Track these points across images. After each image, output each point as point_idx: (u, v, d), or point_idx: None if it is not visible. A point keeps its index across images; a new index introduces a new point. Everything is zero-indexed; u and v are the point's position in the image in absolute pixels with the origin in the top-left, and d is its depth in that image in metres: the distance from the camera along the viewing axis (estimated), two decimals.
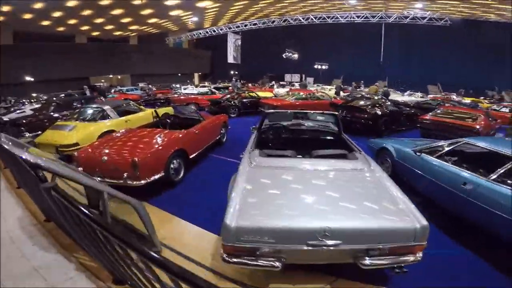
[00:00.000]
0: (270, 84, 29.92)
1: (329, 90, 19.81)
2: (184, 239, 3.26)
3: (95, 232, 1.52)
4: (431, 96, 22.44)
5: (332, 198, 2.37)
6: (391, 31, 29.93)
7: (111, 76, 36.67)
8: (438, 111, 8.56)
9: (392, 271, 2.11)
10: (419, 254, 2.07)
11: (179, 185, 4.68)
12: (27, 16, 23.94)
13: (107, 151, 4.20)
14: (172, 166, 4.44)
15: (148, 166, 3.95)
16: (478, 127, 6.78)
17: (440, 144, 3.95)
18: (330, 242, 1.96)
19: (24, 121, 8.21)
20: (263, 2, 27.54)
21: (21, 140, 7.91)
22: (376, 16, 27.76)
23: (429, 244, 2.09)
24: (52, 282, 2.37)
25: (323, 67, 34.07)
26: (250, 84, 30.50)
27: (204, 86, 26.10)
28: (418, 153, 3.98)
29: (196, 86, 27.50)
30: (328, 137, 4.43)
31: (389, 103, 9.36)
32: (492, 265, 2.77)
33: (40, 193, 2.13)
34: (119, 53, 34.15)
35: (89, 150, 4.35)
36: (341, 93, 18.28)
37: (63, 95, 18.79)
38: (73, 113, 7.56)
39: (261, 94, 14.75)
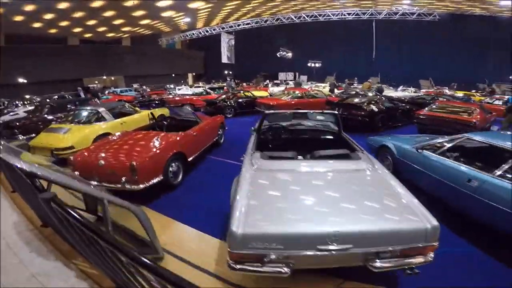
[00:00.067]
0: (265, 83, 29.88)
1: (323, 88, 19.83)
2: (186, 244, 3.21)
3: (97, 242, 1.47)
4: (424, 90, 22.60)
5: (340, 200, 2.33)
6: (382, 28, 30.03)
7: (104, 77, 36.41)
8: (434, 106, 8.57)
9: (403, 273, 2.08)
10: (431, 255, 2.04)
11: (178, 188, 4.61)
12: (18, 18, 23.61)
13: (104, 154, 4.12)
14: (170, 169, 4.37)
15: (146, 170, 3.88)
16: (474, 121, 6.82)
17: (441, 141, 3.92)
18: (340, 247, 1.92)
19: (17, 124, 8.09)
20: (255, 1, 27.46)
21: (14, 144, 7.87)
22: (366, 13, 27.90)
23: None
24: None
25: (316, 65, 34.14)
26: (244, 84, 30.44)
27: (199, 87, 25.96)
28: (419, 150, 3.95)
29: (191, 87, 27.33)
30: (329, 137, 4.39)
31: (384, 99, 9.38)
32: (499, 262, 2.75)
33: (36, 199, 2.07)
34: (112, 54, 34.10)
35: (86, 153, 4.26)
36: (335, 91, 18.31)
37: (56, 96, 18.58)
38: (68, 115, 7.46)
39: (257, 93, 14.69)
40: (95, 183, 3.91)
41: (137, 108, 8.30)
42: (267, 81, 31.70)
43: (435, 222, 2.01)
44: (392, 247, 1.97)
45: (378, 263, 1.97)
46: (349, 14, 28.73)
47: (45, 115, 8.66)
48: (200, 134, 5.55)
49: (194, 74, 46.44)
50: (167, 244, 3.07)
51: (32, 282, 2.39)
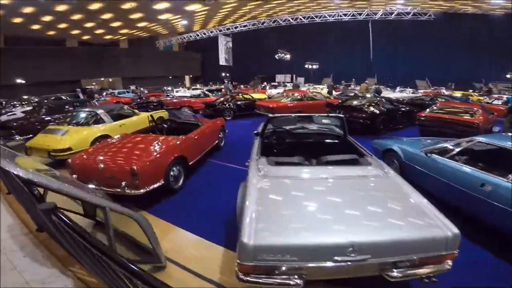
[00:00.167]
0: (262, 85, 29.85)
1: (322, 90, 19.81)
2: (188, 251, 3.11)
3: (100, 257, 1.38)
4: (422, 91, 22.62)
5: (355, 209, 2.23)
6: (378, 28, 30.01)
7: (102, 79, 36.40)
8: (435, 107, 8.49)
9: (420, 281, 2.00)
10: (449, 263, 1.98)
11: (179, 192, 4.50)
12: (17, 20, 23.58)
13: (103, 158, 4.00)
14: (171, 173, 4.27)
15: (147, 175, 3.77)
16: (478, 122, 6.75)
17: (451, 144, 3.84)
18: (358, 257, 1.83)
19: (15, 124, 7.95)
20: (251, 4, 27.51)
21: (11, 144, 7.73)
22: (362, 13, 27.95)
23: None
24: None
25: (314, 66, 34.17)
26: (242, 86, 30.39)
27: (196, 89, 25.89)
28: (428, 154, 3.88)
29: (188, 89, 27.26)
30: (335, 141, 4.31)
31: (384, 101, 9.34)
32: None
33: (32, 204, 1.96)
34: (110, 56, 34.18)
35: (84, 156, 4.15)
36: (333, 92, 18.29)
37: (53, 97, 18.49)
38: (66, 116, 7.36)
39: (255, 96, 14.64)
40: (94, 186, 3.80)
41: (135, 110, 8.18)
42: (265, 83, 31.68)
43: (455, 230, 1.94)
44: (411, 256, 1.90)
45: (395, 273, 1.89)
46: (345, 15, 28.72)
47: (43, 116, 8.53)
48: (201, 138, 5.45)
49: (191, 76, 46.39)
50: (168, 251, 2.98)
51: None
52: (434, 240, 1.92)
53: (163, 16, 28.98)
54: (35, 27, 26.79)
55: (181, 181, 4.58)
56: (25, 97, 21.27)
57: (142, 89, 27.87)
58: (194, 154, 5.06)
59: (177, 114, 6.59)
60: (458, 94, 19.56)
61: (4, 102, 19.20)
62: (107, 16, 25.97)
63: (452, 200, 3.48)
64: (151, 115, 6.15)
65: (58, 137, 5.96)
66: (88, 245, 1.40)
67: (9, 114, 11.03)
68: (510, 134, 3.85)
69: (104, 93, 22.89)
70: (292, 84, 28.12)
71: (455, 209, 3.41)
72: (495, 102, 13.51)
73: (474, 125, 6.72)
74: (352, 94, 13.90)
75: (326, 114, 4.33)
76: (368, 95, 12.84)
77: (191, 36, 37.64)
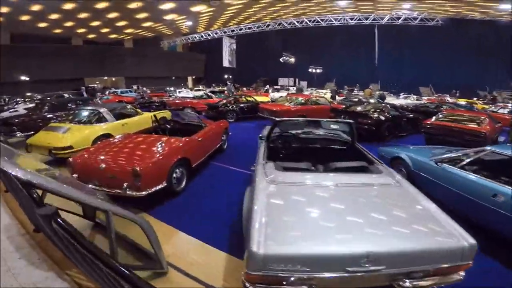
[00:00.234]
0: (265, 88, 29.82)
1: (325, 94, 19.75)
2: (190, 256, 3.02)
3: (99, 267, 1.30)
4: (426, 98, 22.48)
5: (368, 218, 2.15)
6: (383, 33, 29.85)
7: (105, 78, 36.55)
8: (441, 115, 8.40)
9: None
10: (462, 273, 1.94)
11: (181, 195, 4.41)
12: (25, 17, 23.82)
13: (105, 158, 3.92)
14: (174, 175, 4.18)
15: (150, 176, 3.68)
16: (484, 131, 6.65)
17: (462, 153, 3.79)
18: (372, 268, 1.77)
19: (16, 121, 7.91)
20: (256, 6, 27.58)
21: (12, 141, 7.64)
22: (369, 18, 27.86)
23: None
24: None
25: (317, 70, 34.11)
26: (244, 88, 30.37)
27: (199, 90, 25.89)
28: (439, 164, 3.80)
29: (191, 90, 27.26)
30: (343, 147, 4.23)
31: (390, 107, 9.25)
32: None
33: (30, 204, 1.87)
34: (114, 55, 34.42)
35: (86, 155, 4.06)
36: (337, 97, 18.21)
37: (55, 95, 18.55)
38: (68, 114, 7.30)
39: (258, 98, 14.58)
40: (94, 187, 3.72)
41: (138, 110, 8.12)
42: (267, 86, 31.65)
43: (472, 241, 1.90)
44: (426, 266, 1.86)
45: (407, 283, 1.85)
46: (351, 19, 28.56)
47: (45, 113, 8.48)
48: (205, 140, 5.37)
49: (194, 77, 46.48)
50: (170, 256, 2.89)
51: None
52: (450, 250, 1.88)
53: (169, 17, 29.11)
54: (42, 25, 27.06)
55: (183, 183, 4.49)
56: (28, 94, 21.35)
57: (144, 89, 27.90)
58: (197, 156, 4.98)
59: (181, 115, 6.51)
60: (462, 102, 19.44)
61: (7, 99, 19.29)
62: (113, 15, 26.12)
63: (462, 209, 3.42)
64: (155, 115, 6.07)
65: (59, 135, 5.90)
66: (88, 254, 1.32)
67: (11, 110, 10.99)
68: None
69: (107, 92, 22.91)
70: (295, 87, 28.04)
71: (465, 219, 3.34)
72: (501, 110, 13.35)
73: (481, 134, 6.62)
74: (356, 99, 13.80)
75: (335, 119, 4.25)
76: (372, 101, 12.77)
77: (195, 37, 37.73)
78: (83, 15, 25.23)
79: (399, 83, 28.87)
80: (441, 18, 25.76)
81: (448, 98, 21.71)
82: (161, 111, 8.02)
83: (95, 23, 28.85)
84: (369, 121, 7.94)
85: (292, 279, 1.77)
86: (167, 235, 3.35)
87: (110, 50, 35.24)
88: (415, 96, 22.80)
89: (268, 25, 32.91)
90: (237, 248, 3.02)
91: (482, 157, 3.58)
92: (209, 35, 36.80)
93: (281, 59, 34.01)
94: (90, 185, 3.64)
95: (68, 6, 22.05)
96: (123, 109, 7.61)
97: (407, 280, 1.84)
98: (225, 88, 22.55)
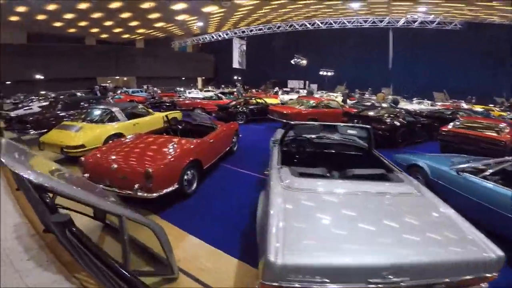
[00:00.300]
0: (274, 90, 29.70)
1: (336, 98, 19.51)
2: (200, 261, 2.94)
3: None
4: (440, 104, 21.96)
5: (390, 228, 2.06)
6: (397, 36, 29.28)
7: (117, 77, 37.12)
8: (458, 122, 8.13)
9: None
10: (485, 285, 1.85)
11: (191, 197, 4.35)
12: (41, 17, 24.42)
13: (117, 158, 3.88)
14: (185, 177, 4.11)
15: (162, 178, 3.63)
16: (504, 140, 6.39)
17: (484, 163, 3.67)
18: (395, 279, 1.68)
19: (30, 118, 7.99)
20: (267, 7, 27.55)
21: (25, 138, 7.71)
22: (383, 21, 27.37)
23: None
24: None
25: (329, 73, 33.73)
26: (254, 90, 30.32)
27: (208, 91, 25.99)
28: (460, 173, 3.67)
29: (200, 90, 27.40)
30: (359, 153, 4.10)
31: (404, 112, 9.02)
32: None
33: (42, 207, 1.82)
34: (126, 55, 34.98)
35: (98, 155, 4.04)
36: (348, 101, 17.95)
37: (67, 94, 18.90)
38: (81, 113, 7.35)
39: (268, 100, 14.50)
40: (105, 187, 3.68)
41: (150, 110, 8.12)
42: (276, 88, 31.52)
43: (500, 252, 1.81)
44: (449, 278, 1.77)
45: None
46: (365, 21, 28.13)
47: (58, 112, 8.57)
48: (216, 141, 5.30)
49: (203, 78, 46.77)
50: (180, 260, 2.83)
51: None
52: (476, 262, 1.80)
53: (180, 17, 29.38)
54: (57, 24, 27.69)
55: (194, 185, 4.42)
56: (43, 92, 21.82)
57: (155, 89, 28.19)
58: (208, 158, 4.92)
59: (192, 116, 6.47)
60: (478, 108, 18.90)
61: (22, 97, 19.75)
62: (125, 15, 26.53)
63: (484, 220, 3.28)
64: (166, 116, 6.04)
65: (72, 133, 5.93)
66: (102, 265, 1.25)
67: (25, 108, 11.19)
68: None
69: (119, 91, 23.22)
70: (305, 90, 27.82)
71: (486, 229, 3.22)
72: None
73: (501, 143, 6.36)
74: (369, 103, 13.57)
75: (352, 124, 4.13)
76: (384, 105, 12.52)
77: (206, 38, 37.96)
78: (96, 15, 25.73)
79: (413, 87, 28.14)
80: (459, 22, 25.15)
81: (464, 104, 21.11)
82: (172, 112, 8.02)
83: (108, 23, 29.38)
84: (383, 127, 7.74)
85: None
86: (178, 239, 3.28)
87: (122, 50, 35.85)
88: (429, 102, 22.26)
89: (279, 27, 32.83)
90: (247, 254, 2.96)
91: (506, 167, 3.50)
92: (219, 36, 36.97)
93: (292, 61, 33.77)
94: (101, 185, 3.61)
95: (83, 5, 22.52)
96: (135, 108, 7.62)
97: None
98: (235, 89, 22.55)
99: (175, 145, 4.22)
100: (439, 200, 2.46)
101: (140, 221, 1.88)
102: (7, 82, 25.95)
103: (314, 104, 10.75)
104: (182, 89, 29.01)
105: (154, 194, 3.56)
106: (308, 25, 31.01)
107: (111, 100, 14.10)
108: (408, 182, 2.69)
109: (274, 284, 1.67)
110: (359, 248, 1.83)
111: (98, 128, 6.25)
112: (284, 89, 31.31)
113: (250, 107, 12.26)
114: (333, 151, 4.26)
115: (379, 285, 1.70)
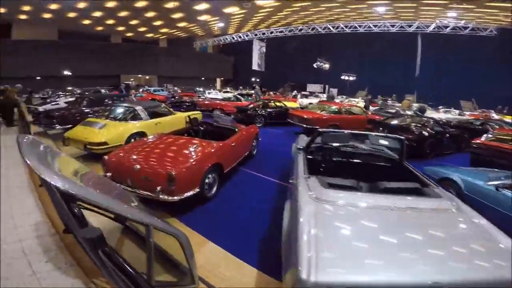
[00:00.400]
0: (292, 93, 29.41)
1: (357, 103, 19.00)
2: (219, 270, 2.84)
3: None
4: (468, 113, 20.93)
5: (430, 245, 1.92)
6: (423, 42, 28.27)
7: (139, 75, 38.13)
8: (490, 134, 7.65)
9: None
10: None
11: (211, 201, 4.26)
12: (71, 14, 25.52)
13: (140, 158, 3.85)
14: (207, 181, 4.03)
15: (184, 181, 3.55)
16: None
17: None
18: None
19: (57, 114, 8.24)
20: (288, 9, 27.37)
21: (50, 132, 7.93)
22: (412, 25, 26.38)
23: None
24: None
25: (350, 78, 33.00)
26: (272, 93, 30.15)
27: (227, 92, 26.11)
28: (500, 189, 3.45)
29: (219, 91, 27.58)
30: (389, 165, 3.88)
31: (433, 122, 8.57)
32: None
33: (66, 213, 1.75)
34: (149, 54, 35.80)
35: (121, 154, 4.03)
36: (370, 107, 17.41)
37: (92, 91, 19.55)
38: (105, 110, 7.47)
39: (287, 104, 14.32)
40: (126, 187, 3.65)
41: (171, 110, 8.16)
42: (295, 91, 31.19)
43: None
44: None
45: None
46: (392, 26, 27.32)
47: (83, 108, 8.77)
48: (238, 145, 5.20)
49: (222, 79, 47.18)
50: (199, 268, 2.70)
51: None
52: None
53: (202, 17, 29.81)
54: (86, 22, 28.81)
55: (214, 189, 4.33)
56: (69, 88, 22.71)
57: (175, 88, 28.65)
58: (229, 162, 4.82)
59: (214, 117, 6.41)
60: (508, 119, 17.82)
61: (50, 92, 20.63)
62: (150, 14, 27.22)
63: None
64: (189, 116, 6.02)
65: (95, 130, 6.01)
66: (124, 276, 1.15)
67: (53, 103, 11.60)
68: None
69: (141, 90, 23.79)
70: (326, 95, 27.33)
71: None
72: None
73: None
74: (393, 110, 13.08)
75: (384, 134, 3.91)
76: (409, 113, 12.03)
77: (226, 39, 38.27)
78: (123, 13, 26.53)
79: (439, 95, 26.95)
80: (495, 28, 23.88)
81: (494, 115, 19.98)
82: (193, 112, 8.02)
83: (134, 22, 30.28)
84: (411, 136, 7.35)
85: None
86: (197, 245, 3.17)
87: (146, 48, 36.76)
88: (456, 111, 21.26)
89: (300, 29, 32.54)
90: (268, 264, 2.87)
91: None
92: (240, 37, 37.14)
93: (314, 65, 33.33)
94: (122, 186, 3.58)
95: (111, 4, 23.29)
96: (157, 108, 7.67)
97: None
98: (253, 91, 22.46)
99: (198, 148, 4.15)
100: (482, 217, 2.27)
101: (167, 230, 1.78)
102: (37, 78, 27.26)
103: (336, 110, 10.45)
104: (201, 89, 29.34)
105: (176, 198, 3.49)
106: (332, 28, 30.50)
107: (133, 98, 14.39)
108: (447, 198, 2.50)
109: None
110: (398, 266, 1.70)
111: (121, 126, 6.30)
112: (303, 92, 30.95)
113: (269, 110, 12.12)
114: (361, 161, 4.06)
115: None
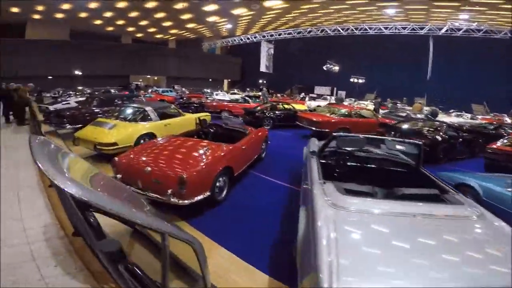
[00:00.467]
0: (300, 96, 29.25)
1: (366, 106, 18.75)
2: (231, 276, 2.77)
3: None
4: (480, 117, 20.51)
5: (451, 253, 1.84)
6: (435, 44, 27.76)
7: (148, 76, 38.51)
8: (506, 140, 7.45)
9: None
10: None
11: (221, 204, 4.19)
12: (83, 14, 25.95)
13: (151, 160, 3.81)
14: (217, 184, 3.97)
15: (196, 185, 3.49)
16: None
17: None
18: None
19: (67, 113, 8.26)
20: (296, 11, 27.26)
21: (60, 132, 7.97)
22: (424, 28, 25.96)
23: None
24: None
25: (360, 80, 32.65)
26: (279, 95, 30.03)
27: (234, 93, 26.12)
28: None
29: (227, 93, 27.62)
30: (404, 170, 3.76)
31: (446, 126, 8.36)
32: None
33: (69, 202, 1.69)
34: (159, 55, 36.09)
35: (131, 156, 3.99)
36: (380, 110, 17.14)
37: (102, 91, 19.76)
38: (114, 110, 7.47)
39: (296, 106, 14.19)
40: (136, 189, 3.60)
41: (180, 111, 8.13)
42: (303, 94, 31.01)
43: None
44: None
45: None
46: (404, 28, 26.92)
47: (93, 108, 8.81)
48: (248, 148, 5.13)
49: (229, 80, 47.30)
50: (211, 274, 2.65)
51: None
52: None
53: (211, 18, 29.95)
54: (97, 22, 29.25)
55: (224, 192, 4.26)
56: (80, 88, 23.02)
57: (183, 89, 28.80)
58: (240, 165, 4.76)
59: (224, 119, 6.35)
60: None
61: (61, 91, 20.93)
62: (160, 15, 27.49)
63: None
64: (199, 118, 5.96)
65: (105, 131, 5.99)
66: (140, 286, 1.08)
67: (64, 102, 11.72)
68: None
69: (149, 90, 23.98)
70: (334, 97, 27.09)
71: None
72: None
73: None
74: (404, 114, 12.84)
75: (401, 139, 3.81)
76: (420, 116, 11.80)
77: (234, 40, 38.35)
78: (133, 14, 26.85)
79: (448, 98, 26.46)
80: (510, 30, 23.34)
81: (507, 119, 19.53)
82: (202, 114, 7.97)
83: (144, 22, 30.61)
84: (424, 141, 7.15)
85: None
86: (207, 250, 3.09)
87: (155, 49, 37.14)
88: (468, 115, 20.84)
89: (309, 31, 32.36)
90: (280, 271, 2.83)
91: None
92: (248, 38, 37.17)
93: (324, 67, 33.13)
94: (131, 188, 3.53)
95: (121, 4, 23.59)
96: (167, 109, 7.64)
97: None
98: (260, 93, 22.39)
99: (209, 150, 4.08)
100: (507, 225, 2.16)
101: (182, 237, 1.72)
102: (48, 77, 27.75)
103: (346, 113, 10.30)
104: (209, 90, 29.43)
105: (186, 201, 3.43)
106: (341, 31, 30.25)
107: (143, 99, 14.46)
108: (469, 205, 2.41)
109: None
110: (420, 274, 1.64)
111: (130, 127, 6.27)
112: (311, 95, 30.76)
113: (277, 112, 12.02)
114: (375, 166, 3.95)
115: None
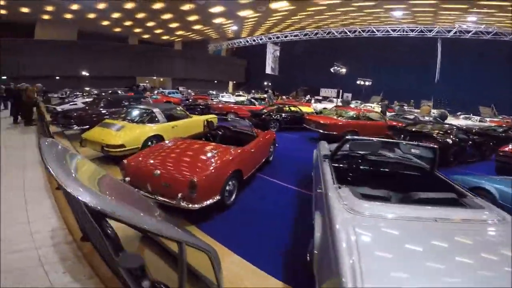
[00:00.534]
0: (306, 98, 29.10)
1: (373, 108, 18.55)
2: (243, 282, 2.70)
3: None
4: (489, 119, 20.19)
5: (473, 259, 1.81)
6: (444, 45, 27.42)
7: (154, 77, 38.73)
8: None
9: None
10: None
11: (231, 208, 4.12)
12: (91, 15, 26.21)
13: (160, 163, 3.76)
14: (227, 188, 3.90)
15: (206, 188, 3.43)
16: None
17: None
18: None
19: (74, 114, 8.26)
20: (302, 13, 27.18)
21: (68, 133, 7.95)
22: (432, 30, 25.63)
23: None
24: None
25: (366, 83, 32.37)
26: (285, 97, 29.92)
27: (239, 95, 26.10)
28: None
29: (232, 95, 27.62)
30: (418, 174, 3.68)
31: (456, 129, 8.21)
32: None
33: (80, 208, 1.62)
34: (165, 56, 36.31)
35: (140, 159, 3.93)
36: (387, 113, 16.95)
37: (110, 91, 19.86)
38: (122, 111, 7.43)
39: (303, 109, 14.08)
40: (145, 193, 3.54)
41: (187, 113, 8.08)
42: (308, 96, 30.85)
43: None
44: None
45: None
46: (412, 30, 26.62)
47: (100, 109, 8.80)
48: (256, 151, 5.05)
49: (234, 82, 47.34)
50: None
51: None
52: None
53: (217, 20, 30.02)
54: (105, 23, 29.51)
55: (233, 196, 4.19)
56: (87, 88, 23.20)
57: (189, 91, 28.88)
58: (249, 168, 4.69)
59: (232, 122, 6.29)
60: None
61: (68, 92, 21.08)
62: (167, 16, 27.63)
63: None
64: (206, 120, 5.90)
65: (113, 132, 5.94)
66: None
67: (71, 103, 11.76)
68: None
69: (156, 92, 24.06)
70: (341, 100, 26.91)
71: None
72: None
73: None
74: (412, 116, 12.66)
75: (416, 143, 3.74)
76: (427, 119, 11.63)
77: (240, 42, 38.40)
78: (140, 15, 27.04)
79: (455, 100, 26.09)
80: None
81: None
82: (210, 116, 7.91)
83: (150, 24, 30.80)
84: (435, 144, 7.06)
85: None
86: (220, 256, 3.04)
87: (162, 51, 37.35)
88: (477, 117, 20.52)
89: (316, 33, 32.25)
90: (293, 277, 2.77)
91: None
92: (254, 40, 37.19)
93: (331, 69, 32.92)
94: (140, 192, 3.47)
95: (129, 5, 23.78)
96: (174, 110, 7.60)
97: None
98: (265, 95, 22.32)
99: (218, 154, 4.02)
100: None
101: (198, 246, 1.65)
102: (56, 77, 28.05)
103: (354, 115, 10.17)
104: (214, 92, 29.46)
105: (197, 206, 3.37)
106: (348, 33, 30.08)
107: (149, 100, 14.48)
108: (489, 209, 2.36)
109: None
110: (441, 279, 1.62)
111: (138, 129, 6.23)
112: (316, 97, 30.59)
113: (284, 115, 11.93)
114: (389, 170, 3.86)
115: None
